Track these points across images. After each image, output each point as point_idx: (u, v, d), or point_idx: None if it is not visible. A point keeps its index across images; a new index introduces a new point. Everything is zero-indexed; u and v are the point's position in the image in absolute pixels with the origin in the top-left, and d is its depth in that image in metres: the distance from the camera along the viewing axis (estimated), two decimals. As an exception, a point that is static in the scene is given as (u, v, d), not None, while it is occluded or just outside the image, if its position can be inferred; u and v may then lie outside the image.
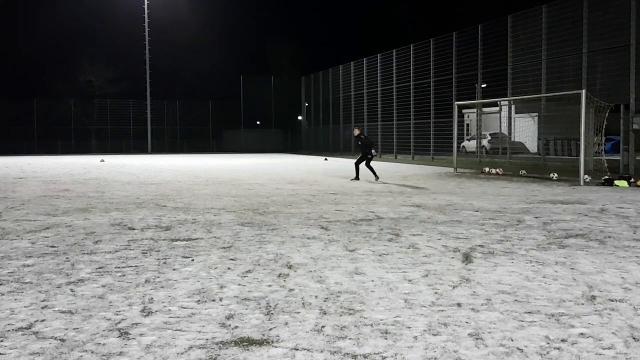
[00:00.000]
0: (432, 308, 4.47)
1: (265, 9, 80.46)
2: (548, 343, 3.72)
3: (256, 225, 8.62)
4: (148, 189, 14.55)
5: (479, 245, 6.94)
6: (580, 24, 21.69)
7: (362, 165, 17.43)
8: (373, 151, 17.49)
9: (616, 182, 15.22)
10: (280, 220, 9.05)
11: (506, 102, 26.32)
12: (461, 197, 12.40)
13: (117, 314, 4.35)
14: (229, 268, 5.83)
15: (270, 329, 4.01)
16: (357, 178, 17.32)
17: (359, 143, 18.08)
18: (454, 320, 4.18)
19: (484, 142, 30.33)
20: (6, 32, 60.01)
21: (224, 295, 4.87)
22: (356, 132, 18.16)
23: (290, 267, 5.88)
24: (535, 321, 4.15)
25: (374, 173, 17.19)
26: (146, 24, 50.82)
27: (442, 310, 4.40)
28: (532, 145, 27.50)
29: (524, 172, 19.63)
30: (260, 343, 3.75)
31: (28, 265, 5.97)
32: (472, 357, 3.50)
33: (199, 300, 4.71)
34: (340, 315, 4.30)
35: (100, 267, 5.88)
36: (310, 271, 5.69)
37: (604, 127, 18.69)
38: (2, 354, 3.58)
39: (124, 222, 8.97)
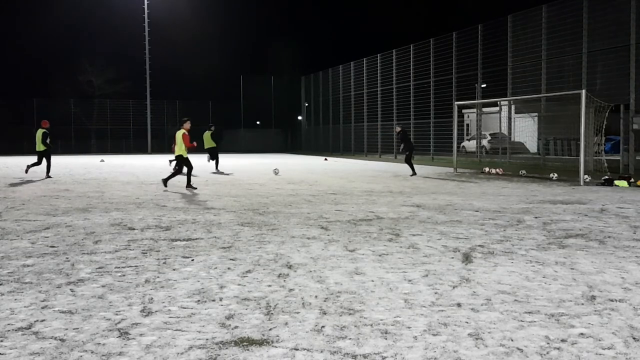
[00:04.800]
0: (432, 308, 4.47)
1: (265, 9, 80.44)
2: (548, 343, 3.72)
3: (256, 225, 8.62)
4: (148, 189, 14.55)
5: (479, 245, 6.94)
6: (580, 24, 21.69)
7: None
8: (401, 147, 19.87)
9: (616, 182, 15.21)
10: (280, 220, 9.05)
11: (506, 102, 26.32)
12: (461, 197, 12.40)
13: (117, 314, 4.35)
14: (229, 268, 5.83)
15: (270, 329, 4.01)
16: (414, 173, 19.32)
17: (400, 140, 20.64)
18: (454, 320, 4.18)
19: (484, 142, 30.33)
20: (6, 32, 60.03)
21: (224, 295, 4.87)
22: (397, 129, 20.63)
23: (290, 267, 5.88)
24: (535, 321, 4.15)
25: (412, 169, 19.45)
26: (146, 24, 50.78)
27: (442, 310, 4.40)
28: (532, 145, 27.50)
29: (524, 172, 19.63)
30: (260, 343, 3.75)
31: (28, 265, 5.97)
32: (472, 357, 3.50)
33: (199, 300, 4.71)
34: (340, 315, 4.30)
35: (100, 267, 5.88)
36: (310, 271, 5.69)
37: (604, 127, 18.70)
38: (2, 354, 3.58)
39: (124, 222, 8.97)
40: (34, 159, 19.04)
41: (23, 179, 17.94)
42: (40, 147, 18.14)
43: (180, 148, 14.38)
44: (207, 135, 22.09)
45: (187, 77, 61.40)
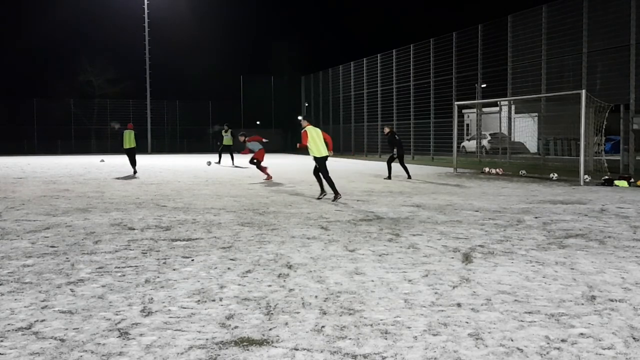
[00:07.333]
0: (432, 308, 4.47)
1: (265, 9, 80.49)
2: (548, 343, 3.72)
3: (256, 225, 8.62)
4: (148, 189, 14.55)
5: (479, 245, 6.94)
6: (580, 24, 21.69)
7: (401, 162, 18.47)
8: (395, 151, 18.26)
9: (616, 182, 15.21)
10: (280, 220, 9.05)
11: (506, 102, 26.32)
12: (461, 197, 12.40)
13: (117, 314, 4.35)
14: (229, 268, 5.83)
15: (270, 329, 4.01)
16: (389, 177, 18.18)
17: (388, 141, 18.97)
18: (454, 320, 4.18)
19: (484, 142, 30.33)
20: (6, 32, 60.03)
21: (224, 295, 4.87)
22: (386, 130, 18.88)
23: (290, 267, 5.88)
24: (535, 321, 4.15)
25: (390, 172, 18.27)
26: (146, 24, 50.75)
27: (442, 310, 4.40)
28: (532, 145, 27.49)
29: (524, 172, 19.62)
30: (260, 343, 3.75)
31: (28, 265, 5.97)
32: (472, 357, 3.50)
33: (199, 300, 4.71)
34: (340, 315, 4.30)
35: (100, 267, 5.88)
36: (310, 271, 5.69)
37: (604, 127, 18.69)
38: (2, 354, 3.58)
39: (124, 222, 8.97)
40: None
41: (132, 177, 17.99)
42: (131, 144, 20.08)
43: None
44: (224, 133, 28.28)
45: (187, 77, 61.41)
